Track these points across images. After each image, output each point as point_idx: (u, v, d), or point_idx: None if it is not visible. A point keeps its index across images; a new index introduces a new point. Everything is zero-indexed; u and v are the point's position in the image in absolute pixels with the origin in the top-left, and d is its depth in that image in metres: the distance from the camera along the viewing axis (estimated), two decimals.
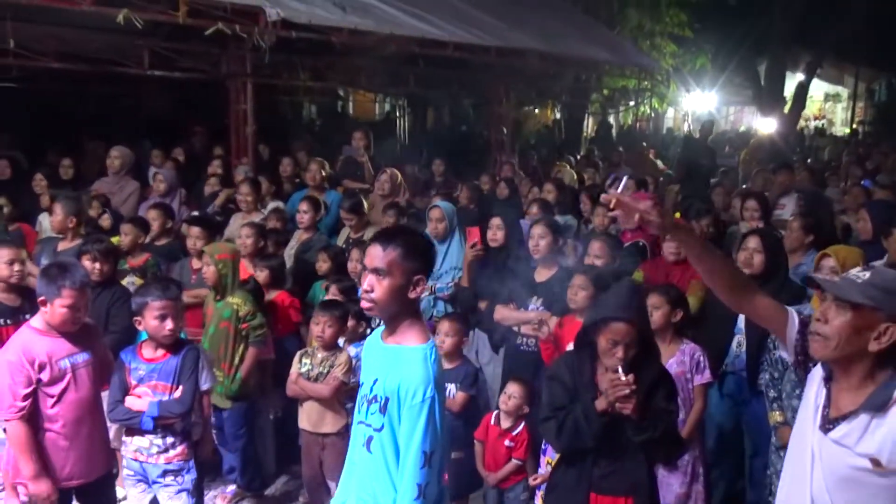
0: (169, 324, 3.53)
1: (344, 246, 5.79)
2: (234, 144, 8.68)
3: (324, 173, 6.98)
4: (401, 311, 2.50)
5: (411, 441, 2.39)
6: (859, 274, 2.20)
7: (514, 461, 4.10)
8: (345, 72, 10.53)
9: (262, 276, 5.00)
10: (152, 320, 3.53)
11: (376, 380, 2.50)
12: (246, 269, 5.00)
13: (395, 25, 9.16)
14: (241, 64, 8.34)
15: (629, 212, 2.35)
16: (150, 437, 3.55)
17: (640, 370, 2.90)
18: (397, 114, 17.28)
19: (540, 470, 4.01)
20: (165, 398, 3.53)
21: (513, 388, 4.12)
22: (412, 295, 2.48)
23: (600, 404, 2.88)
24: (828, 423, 2.22)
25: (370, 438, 2.48)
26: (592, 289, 4.08)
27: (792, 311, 2.44)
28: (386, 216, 6.22)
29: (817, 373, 2.34)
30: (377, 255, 2.45)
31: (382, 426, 2.45)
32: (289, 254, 5.92)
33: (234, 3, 7.38)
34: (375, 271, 2.44)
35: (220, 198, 7.06)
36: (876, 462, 2.11)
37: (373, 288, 2.44)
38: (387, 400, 2.44)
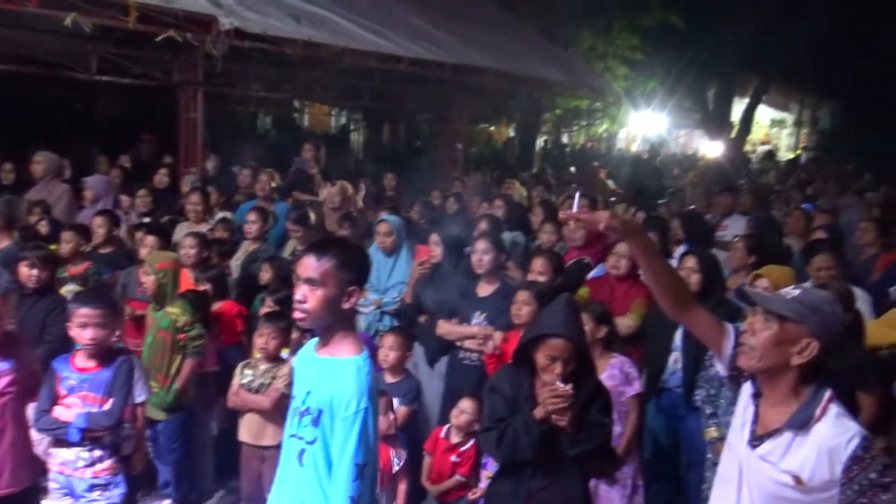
0: (90, 333, 3.43)
1: (290, 258, 5.76)
2: (184, 153, 8.57)
3: (273, 184, 6.94)
4: (334, 323, 2.48)
5: (344, 453, 2.37)
6: (789, 290, 2.28)
7: (458, 477, 4.11)
8: (299, 84, 10.50)
9: (203, 288, 4.94)
10: (75, 328, 3.46)
11: (309, 392, 2.47)
12: (188, 279, 4.95)
13: (351, 39, 9.18)
14: (193, 72, 8.26)
15: (590, 226, 2.42)
16: (77, 449, 3.45)
17: (577, 385, 2.94)
18: (352, 127, 17.26)
19: (480, 484, 4.02)
20: (95, 410, 3.45)
21: (466, 404, 4.13)
22: (346, 306, 2.46)
23: (539, 412, 2.91)
24: (755, 440, 2.29)
25: (302, 451, 2.45)
26: (536, 304, 4.12)
27: (730, 326, 2.51)
28: (341, 228, 6.22)
29: (746, 389, 2.40)
30: (311, 265, 2.42)
31: (315, 439, 2.42)
32: (235, 264, 5.87)
33: (187, 11, 7.31)
34: (309, 281, 2.42)
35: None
36: (798, 479, 2.17)
37: (306, 298, 2.41)
38: (319, 412, 2.41)
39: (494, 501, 3.17)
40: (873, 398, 3.68)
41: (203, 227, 6.16)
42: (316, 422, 2.42)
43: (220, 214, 6.70)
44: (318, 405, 2.42)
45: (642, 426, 4.27)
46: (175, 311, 4.46)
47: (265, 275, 5.30)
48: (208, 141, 8.76)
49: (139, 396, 3.63)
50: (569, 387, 2.87)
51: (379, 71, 10.14)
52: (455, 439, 4.13)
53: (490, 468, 3.92)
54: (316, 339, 2.58)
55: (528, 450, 2.93)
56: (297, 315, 2.47)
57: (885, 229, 6.55)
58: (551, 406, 2.86)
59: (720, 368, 2.57)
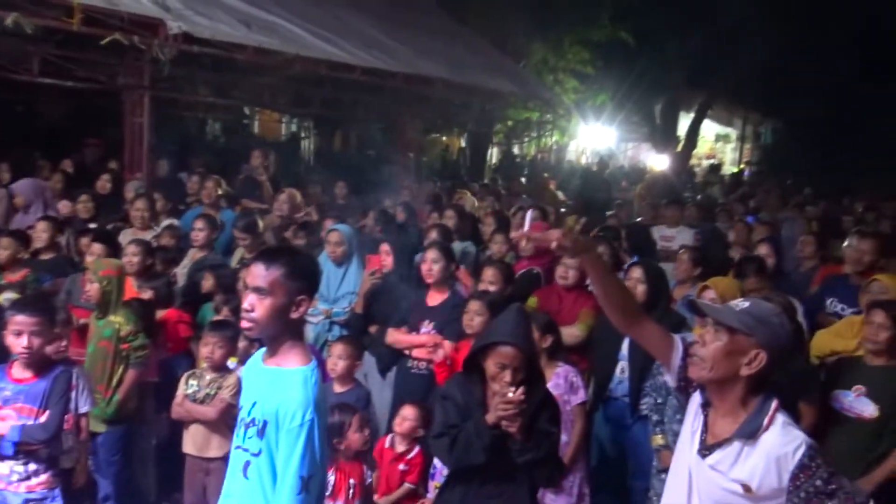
0: (24, 341, 3.33)
1: (238, 266, 5.67)
2: (129, 158, 8.39)
3: (220, 191, 6.84)
4: (282, 332, 2.44)
5: (288, 466, 2.34)
6: (738, 302, 2.34)
7: (407, 485, 4.09)
8: (249, 90, 10.37)
9: (146, 296, 4.84)
10: (10, 336, 3.36)
11: (255, 403, 2.43)
12: (132, 287, 4.84)
13: (302, 46, 9.12)
14: (139, 76, 8.10)
15: (542, 244, 2.44)
16: (11, 463, 3.35)
17: (527, 393, 2.96)
18: (303, 135, 17.13)
19: (428, 495, 4.01)
20: (30, 423, 3.35)
21: (407, 411, 4.12)
22: (294, 315, 2.42)
23: (490, 418, 2.92)
24: (705, 449, 2.32)
25: (247, 464, 2.41)
26: (488, 314, 4.12)
27: (678, 337, 2.56)
28: (297, 238, 6.15)
29: (695, 399, 2.44)
30: (259, 273, 2.39)
31: (260, 451, 2.39)
32: (181, 272, 5.76)
33: (133, 14, 7.18)
34: (257, 290, 2.38)
35: None
36: (747, 488, 2.22)
37: (253, 307, 2.38)
38: (265, 423, 2.38)
39: None
40: (813, 408, 3.79)
41: (148, 234, 6.03)
42: (261, 433, 2.38)
43: (166, 221, 6.58)
44: (263, 416, 2.38)
45: (588, 434, 4.31)
46: (118, 320, 4.35)
47: (206, 283, 5.21)
48: (154, 146, 8.58)
49: (83, 407, 3.56)
50: (520, 391, 2.88)
51: (330, 79, 10.09)
52: (400, 448, 4.11)
53: (438, 478, 3.90)
54: (264, 349, 2.54)
55: (479, 455, 2.93)
56: (244, 324, 2.43)
57: (823, 243, 6.76)
58: (502, 412, 2.87)
59: (669, 380, 2.61)
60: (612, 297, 2.55)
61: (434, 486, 3.93)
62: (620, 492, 4.57)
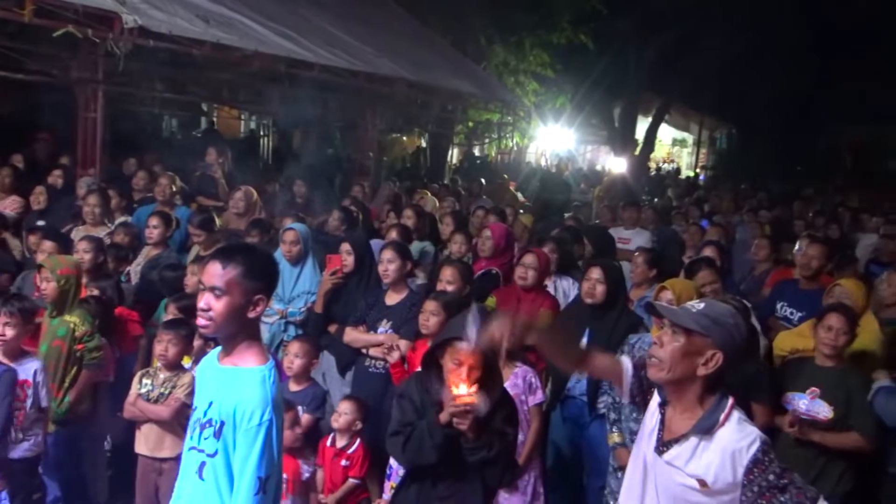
0: None
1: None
2: (81, 154, 8.20)
3: (174, 188, 6.72)
4: (239, 332, 2.41)
5: (246, 466, 2.31)
6: (695, 304, 2.38)
7: (351, 480, 4.07)
8: (207, 86, 10.23)
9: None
10: None
11: (211, 403, 2.39)
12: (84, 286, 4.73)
13: (261, 43, 9.01)
14: (93, 70, 7.91)
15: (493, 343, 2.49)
16: None
17: (482, 394, 2.96)
18: (262, 132, 16.96)
19: (384, 496, 3.99)
20: None
21: (344, 406, 4.12)
22: (251, 315, 2.40)
23: (443, 417, 2.91)
24: (662, 446, 2.37)
25: (203, 465, 2.38)
26: (444, 314, 4.12)
27: (625, 360, 2.62)
28: (250, 235, 6.08)
29: (654, 399, 2.48)
30: (215, 272, 2.35)
31: (217, 451, 2.36)
32: (135, 270, 5.66)
33: (87, 6, 7.01)
34: (213, 290, 2.34)
35: None
36: (703, 483, 2.26)
37: (210, 307, 2.34)
38: (222, 424, 2.34)
39: None
40: (765, 409, 3.86)
41: (101, 231, 5.91)
42: (218, 434, 2.35)
43: (120, 219, 6.45)
44: (220, 416, 2.35)
45: (543, 435, 4.33)
46: (74, 320, 4.26)
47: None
48: (108, 142, 8.41)
49: (43, 402, 3.62)
50: (472, 390, 2.87)
51: (289, 76, 9.99)
52: (340, 443, 4.09)
53: (394, 478, 3.89)
54: (219, 349, 2.50)
55: (431, 453, 2.92)
56: (200, 323, 2.39)
57: (774, 246, 6.90)
58: (452, 409, 2.86)
59: (623, 399, 2.66)
60: (560, 353, 2.71)
61: (390, 486, 3.92)
62: (577, 490, 4.61)
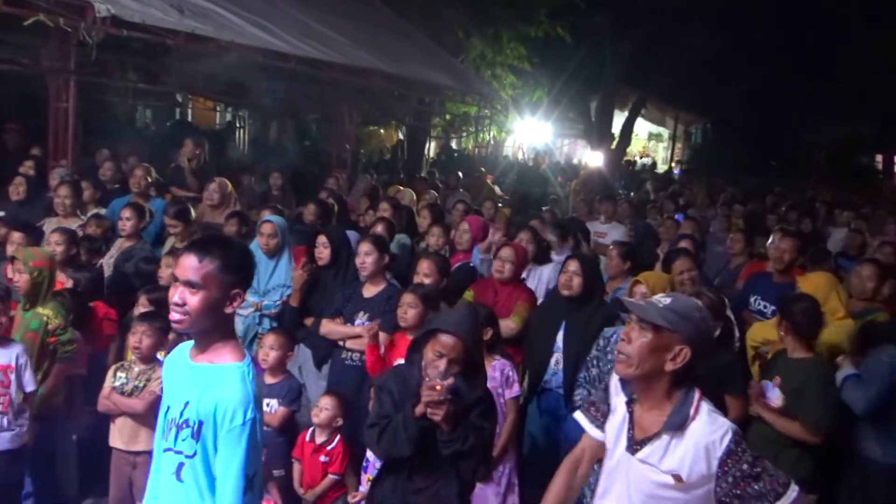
0: None
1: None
2: (53, 145, 8.08)
3: (149, 179, 6.65)
4: (214, 328, 2.33)
5: (231, 466, 2.25)
6: (661, 299, 2.38)
7: (331, 476, 4.06)
8: (181, 77, 10.10)
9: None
10: None
11: (188, 402, 2.30)
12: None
13: (237, 34, 8.91)
14: (64, 59, 7.78)
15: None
16: None
17: (462, 388, 2.96)
18: (238, 124, 16.81)
19: (361, 488, 3.99)
20: None
21: (325, 401, 4.10)
22: (228, 310, 2.32)
23: (419, 409, 2.90)
24: (634, 445, 2.38)
25: (181, 466, 2.30)
26: (422, 306, 4.13)
27: (589, 433, 2.66)
28: (228, 225, 6.03)
29: (620, 398, 2.49)
30: (191, 265, 2.27)
31: (195, 452, 2.28)
32: (108, 262, 5.59)
33: None
34: (188, 284, 2.27)
35: None
36: (678, 478, 2.28)
37: (185, 301, 2.26)
38: (200, 424, 2.27)
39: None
40: (739, 400, 3.91)
41: (73, 223, 5.83)
42: (196, 435, 2.27)
43: (93, 210, 6.37)
44: (198, 416, 2.28)
45: (519, 428, 4.34)
46: (47, 313, 4.20)
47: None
48: (81, 133, 8.29)
49: (28, 386, 3.65)
50: (447, 382, 2.86)
51: (265, 68, 9.90)
52: (320, 439, 4.08)
53: (371, 471, 3.89)
54: (188, 345, 2.42)
55: (405, 445, 2.91)
56: (174, 318, 2.30)
57: (749, 240, 6.97)
58: (426, 398, 2.85)
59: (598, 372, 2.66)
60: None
61: (367, 478, 3.92)
62: (550, 472, 4.61)
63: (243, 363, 2.34)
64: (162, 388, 3.86)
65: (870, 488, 4.05)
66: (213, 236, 3.24)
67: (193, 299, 2.26)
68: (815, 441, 3.79)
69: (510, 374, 4.12)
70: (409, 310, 4.14)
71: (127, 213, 5.71)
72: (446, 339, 2.95)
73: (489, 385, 3.87)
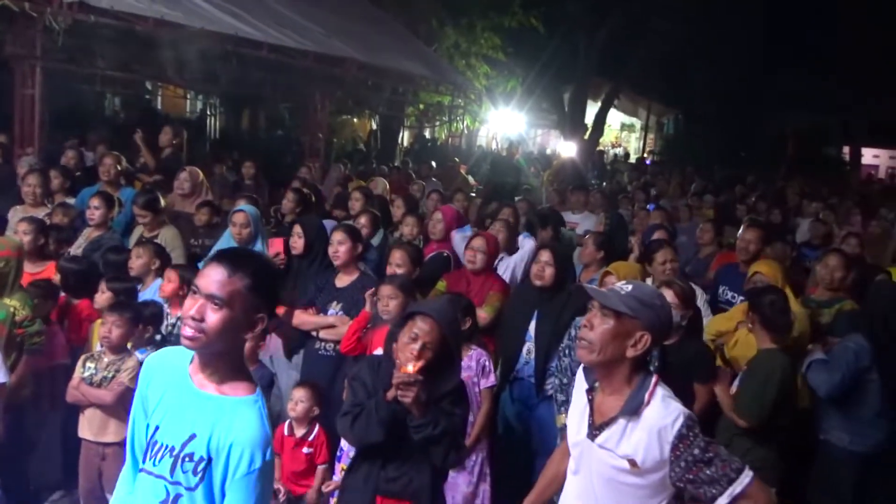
0: None
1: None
2: (19, 132, 7.94)
3: (119, 168, 6.56)
4: (228, 352, 2.11)
5: None
6: (623, 286, 2.41)
7: (321, 467, 4.07)
8: (151, 64, 9.96)
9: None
10: None
11: (193, 435, 2.08)
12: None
13: (207, 20, 8.83)
14: (30, 46, 7.65)
15: None
16: None
17: (438, 378, 2.96)
18: (209, 112, 16.64)
19: (334, 476, 3.99)
20: None
21: (299, 394, 4.09)
22: (248, 335, 2.12)
23: (390, 394, 2.89)
24: (594, 430, 2.41)
25: (178, 497, 2.10)
26: (402, 297, 4.07)
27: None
28: (199, 214, 5.98)
29: (581, 385, 2.52)
30: (218, 279, 2.04)
31: (197, 486, 2.08)
32: (76, 252, 5.51)
33: None
34: (211, 298, 2.03)
35: None
36: (633, 462, 2.31)
37: (203, 317, 2.02)
38: (209, 460, 2.07)
39: (346, 493, 3.16)
40: (707, 389, 3.97)
41: (41, 212, 5.74)
42: (202, 470, 2.08)
43: (60, 199, 6.28)
44: (207, 453, 2.07)
45: (493, 417, 4.36)
46: (14, 304, 4.11)
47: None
48: (48, 121, 8.16)
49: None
50: (418, 364, 2.83)
51: (237, 55, 9.80)
52: (300, 431, 4.07)
53: (345, 460, 3.89)
54: (181, 359, 2.18)
55: (377, 430, 2.89)
56: (186, 333, 2.04)
57: (719, 230, 7.05)
58: (396, 380, 2.82)
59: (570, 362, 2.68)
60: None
61: (340, 468, 3.91)
62: (525, 469, 4.66)
63: (257, 395, 2.14)
64: (130, 379, 3.89)
65: (837, 475, 4.14)
66: (247, 251, 3.05)
67: (214, 317, 2.02)
68: (745, 425, 3.82)
69: (486, 363, 4.14)
70: (389, 301, 4.06)
71: (95, 201, 5.63)
72: (422, 322, 2.92)
73: (465, 374, 3.90)
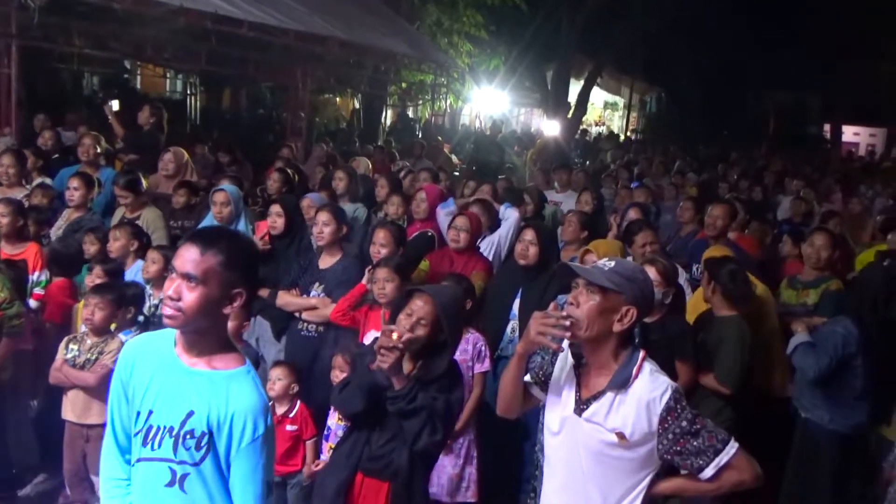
0: None
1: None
2: None
3: (98, 148, 6.48)
4: (210, 328, 2.16)
5: (254, 477, 2.14)
6: (606, 263, 2.43)
7: (310, 442, 4.07)
8: (129, 42, 9.82)
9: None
10: None
11: (192, 412, 2.12)
12: (3, 250, 4.56)
13: None
14: (5, 23, 7.53)
15: None
16: None
17: (430, 361, 2.98)
18: (189, 91, 16.45)
19: (322, 455, 4.01)
20: None
21: (276, 372, 4.09)
22: (227, 311, 2.15)
23: (374, 364, 2.91)
24: (581, 405, 2.43)
25: (185, 476, 2.13)
26: (398, 279, 4.08)
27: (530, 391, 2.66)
28: (177, 195, 5.93)
29: (567, 361, 2.53)
30: (191, 257, 2.08)
31: (202, 459, 2.13)
32: (56, 234, 5.47)
33: None
34: (186, 277, 2.07)
35: None
36: (621, 436, 2.33)
37: (180, 296, 2.07)
38: (210, 434, 2.12)
39: (329, 468, 3.21)
40: (689, 367, 4.01)
41: (19, 193, 5.67)
42: (205, 445, 2.13)
43: (38, 180, 6.20)
44: (205, 426, 2.12)
45: (482, 401, 4.36)
46: None
47: (90, 247, 4.93)
48: (25, 100, 8.04)
49: None
50: (404, 335, 2.86)
51: (216, 33, 9.68)
52: (280, 409, 4.08)
53: (332, 439, 3.91)
54: (166, 341, 2.22)
55: (357, 396, 2.93)
56: (167, 313, 2.10)
57: (700, 208, 7.07)
58: (379, 343, 2.85)
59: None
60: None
61: (328, 447, 3.93)
62: (509, 450, 4.69)
63: (248, 366, 2.21)
64: (113, 361, 3.87)
65: (818, 453, 4.20)
66: (219, 229, 3.07)
67: (190, 295, 2.07)
68: (726, 392, 3.97)
69: (482, 348, 4.12)
70: (386, 284, 4.05)
71: (75, 182, 5.56)
72: (420, 299, 2.96)
73: (461, 357, 3.90)
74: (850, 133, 29.45)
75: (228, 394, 2.13)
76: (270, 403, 4.03)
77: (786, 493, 4.30)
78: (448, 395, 3.02)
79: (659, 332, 3.79)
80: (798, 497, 4.26)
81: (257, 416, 2.13)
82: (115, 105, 8.26)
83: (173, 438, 2.13)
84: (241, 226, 5.18)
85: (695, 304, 4.52)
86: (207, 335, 2.17)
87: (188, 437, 2.12)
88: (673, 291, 4.05)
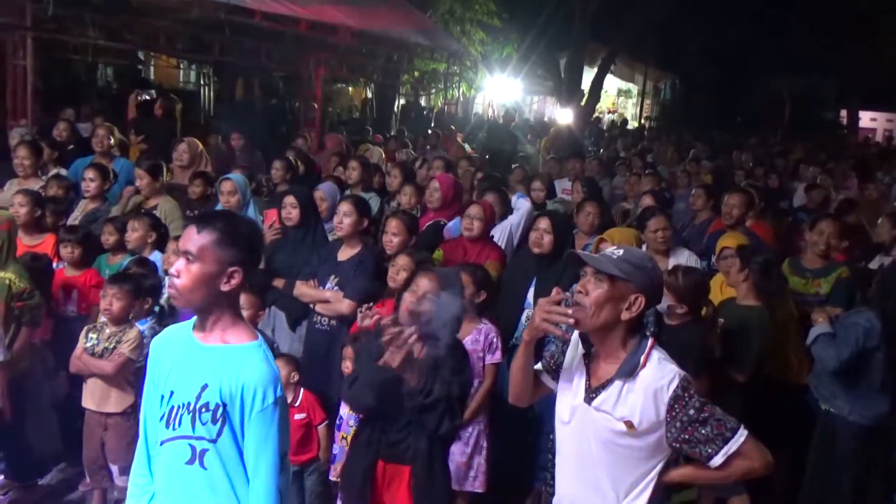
0: None
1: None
2: (11, 103, 7.88)
3: (112, 139, 6.52)
4: (212, 305, 2.25)
5: (266, 446, 2.21)
6: (615, 251, 2.43)
7: (321, 427, 4.09)
8: (143, 34, 9.85)
9: (65, 252, 4.67)
10: None
11: (206, 385, 2.21)
12: (21, 241, 4.59)
13: None
14: (20, 16, 7.57)
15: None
16: None
17: (433, 342, 2.97)
18: (203, 82, 16.47)
19: (335, 445, 4.02)
20: None
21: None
22: (225, 288, 2.22)
23: (382, 360, 2.92)
24: (591, 393, 2.43)
25: (203, 452, 2.22)
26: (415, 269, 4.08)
27: (543, 376, 2.67)
28: (193, 186, 5.96)
29: (578, 349, 2.53)
30: (190, 237, 2.21)
31: (220, 434, 2.21)
32: (72, 224, 5.49)
33: None
34: (185, 254, 2.20)
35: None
36: (629, 424, 2.33)
37: (179, 273, 2.20)
38: (224, 406, 2.20)
39: (350, 459, 3.23)
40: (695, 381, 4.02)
41: (34, 184, 5.72)
42: (222, 418, 2.21)
43: (53, 171, 6.24)
44: (219, 399, 2.20)
45: (493, 393, 4.36)
46: (10, 276, 4.12)
47: (109, 237, 4.97)
48: (41, 91, 8.09)
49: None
50: (411, 330, 2.86)
51: (229, 24, 9.69)
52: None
53: (345, 429, 3.92)
54: (184, 326, 2.34)
55: (367, 393, 2.94)
56: (170, 291, 2.25)
57: (713, 195, 7.01)
58: (385, 337, 2.87)
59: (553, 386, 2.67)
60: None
61: (341, 436, 3.95)
62: (522, 437, 4.68)
63: (260, 341, 2.30)
64: (131, 350, 3.91)
65: (836, 444, 4.15)
66: (221, 211, 3.13)
67: (187, 272, 2.20)
68: (741, 380, 4.06)
69: (494, 339, 4.08)
70: (401, 272, 4.07)
71: (90, 173, 5.61)
72: (424, 278, 3.01)
73: (472, 348, 3.89)
74: (867, 119, 29.17)
75: (240, 366, 2.22)
76: None
77: (807, 485, 4.26)
78: (461, 376, 3.06)
79: (674, 338, 3.76)
80: (819, 488, 4.22)
81: (267, 386, 2.20)
82: (146, 96, 8.22)
83: (191, 414, 2.22)
84: (250, 214, 5.20)
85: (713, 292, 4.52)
86: (212, 311, 2.26)
87: (204, 410, 2.21)
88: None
